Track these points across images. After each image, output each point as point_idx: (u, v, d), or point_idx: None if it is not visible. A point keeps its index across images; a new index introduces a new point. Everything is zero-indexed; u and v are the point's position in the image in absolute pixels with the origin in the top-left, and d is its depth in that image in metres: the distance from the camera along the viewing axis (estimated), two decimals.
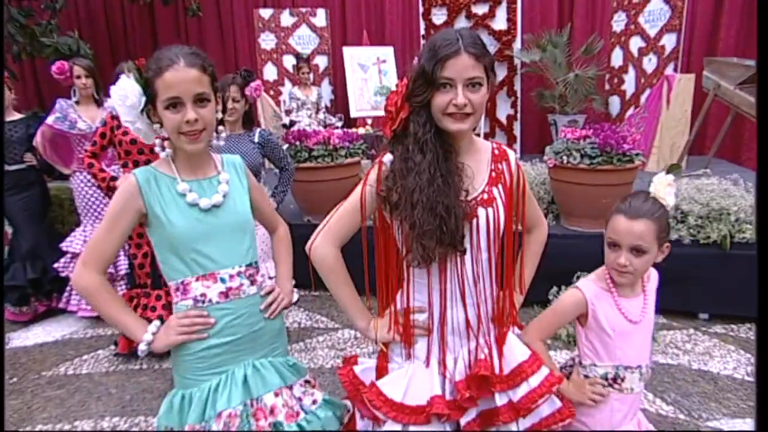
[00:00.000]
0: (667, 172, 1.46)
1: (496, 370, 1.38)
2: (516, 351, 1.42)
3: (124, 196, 1.37)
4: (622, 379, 1.47)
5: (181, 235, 1.37)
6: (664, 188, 1.43)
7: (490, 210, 1.35)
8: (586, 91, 5.90)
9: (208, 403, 1.38)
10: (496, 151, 1.43)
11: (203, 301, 1.40)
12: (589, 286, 1.47)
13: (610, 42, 6.01)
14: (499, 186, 1.39)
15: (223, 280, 1.42)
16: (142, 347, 1.40)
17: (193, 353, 1.40)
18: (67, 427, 2.58)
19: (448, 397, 1.37)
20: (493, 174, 1.39)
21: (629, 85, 5.93)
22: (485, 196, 1.36)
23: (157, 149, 1.40)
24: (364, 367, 1.47)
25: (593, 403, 1.46)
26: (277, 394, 1.44)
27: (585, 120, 6.04)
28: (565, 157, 3.32)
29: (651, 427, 1.61)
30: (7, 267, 3.73)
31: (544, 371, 1.39)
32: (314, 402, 1.50)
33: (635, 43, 5.75)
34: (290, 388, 1.49)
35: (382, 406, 1.34)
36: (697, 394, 2.68)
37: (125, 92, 1.33)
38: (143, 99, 1.35)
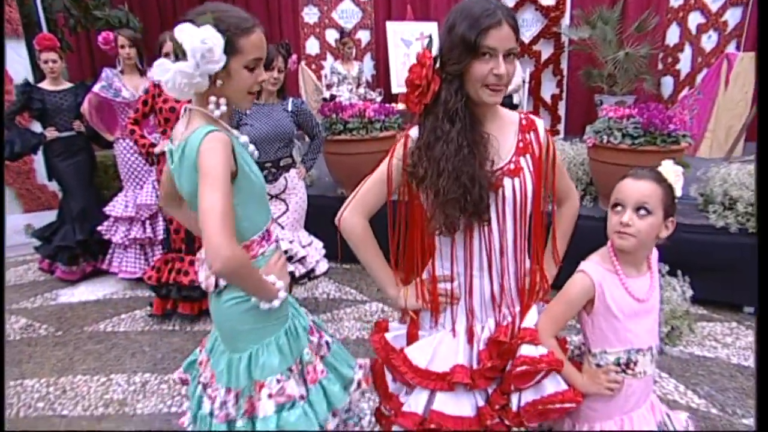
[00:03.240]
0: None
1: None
2: (528, 322, 1.42)
3: (226, 153, 1.27)
4: (635, 363, 1.41)
5: (261, 185, 1.43)
6: (671, 176, 1.36)
7: (516, 180, 1.33)
8: (636, 70, 5.62)
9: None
10: (524, 121, 1.41)
11: (276, 243, 1.49)
12: (594, 268, 1.40)
13: (666, 18, 5.68)
14: (527, 156, 1.37)
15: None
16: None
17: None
18: (103, 379, 2.73)
19: (475, 366, 1.39)
20: (521, 144, 1.37)
21: (684, 64, 5.61)
22: (512, 166, 1.34)
23: (211, 107, 1.34)
24: (396, 334, 1.51)
25: (610, 393, 1.40)
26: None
27: (634, 101, 5.77)
28: (605, 137, 3.18)
29: (664, 409, 1.54)
30: (57, 228, 3.94)
31: (543, 349, 1.37)
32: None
33: (694, 19, 5.42)
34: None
35: (407, 371, 1.39)
36: (734, 390, 2.55)
37: (211, 44, 1.23)
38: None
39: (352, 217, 1.41)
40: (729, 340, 2.97)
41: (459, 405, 1.39)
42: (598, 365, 1.44)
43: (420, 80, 1.26)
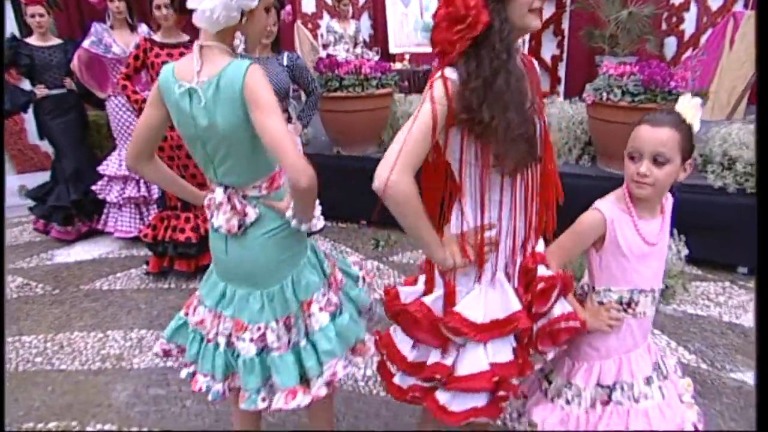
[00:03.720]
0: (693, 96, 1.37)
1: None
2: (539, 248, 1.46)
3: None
4: (636, 303, 1.43)
5: None
6: (689, 111, 1.33)
7: (540, 119, 1.31)
8: (639, 30, 5.45)
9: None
10: (526, 61, 1.35)
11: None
12: (608, 206, 1.40)
13: None
14: (537, 96, 1.33)
15: None
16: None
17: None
18: (99, 335, 2.75)
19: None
20: (533, 83, 1.33)
21: (689, 24, 5.46)
22: (535, 105, 1.30)
23: (237, 42, 1.47)
24: (434, 297, 1.41)
25: (609, 330, 1.44)
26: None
27: (636, 63, 5.65)
28: (605, 94, 3.13)
29: (660, 353, 1.57)
30: (51, 189, 3.91)
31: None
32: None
33: None
34: None
35: (469, 330, 1.33)
36: (724, 346, 2.58)
37: None
38: None
39: (403, 179, 1.20)
40: (722, 299, 2.99)
41: (506, 350, 1.39)
42: (600, 303, 1.46)
43: (466, 10, 1.14)
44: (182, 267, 3.22)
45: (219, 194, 1.44)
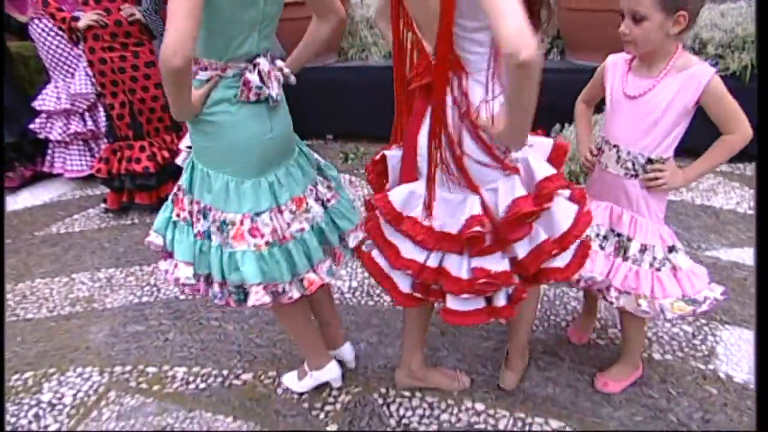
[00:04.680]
0: None
1: None
2: None
3: None
4: (600, 151, 1.55)
5: None
6: None
7: None
8: None
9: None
10: None
11: None
12: (615, 56, 1.50)
13: None
14: None
15: None
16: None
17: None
18: (65, 280, 2.59)
19: None
20: None
21: None
22: None
23: None
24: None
25: (585, 166, 1.62)
26: None
27: None
28: None
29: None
30: None
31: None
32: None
33: None
34: None
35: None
36: (698, 228, 2.64)
37: None
38: None
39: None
40: (692, 184, 3.03)
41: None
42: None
43: None
44: (143, 200, 3.03)
45: (264, 63, 1.30)
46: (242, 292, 1.43)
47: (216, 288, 1.44)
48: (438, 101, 1.18)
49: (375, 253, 1.44)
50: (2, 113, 3.37)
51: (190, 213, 1.41)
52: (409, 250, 1.33)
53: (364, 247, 1.49)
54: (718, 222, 2.68)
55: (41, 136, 3.51)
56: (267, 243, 1.38)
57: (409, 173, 1.34)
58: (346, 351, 1.86)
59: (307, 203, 1.46)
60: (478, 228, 1.23)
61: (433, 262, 1.33)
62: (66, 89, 3.38)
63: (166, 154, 2.99)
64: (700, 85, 1.32)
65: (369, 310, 2.20)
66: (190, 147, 2.68)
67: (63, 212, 3.28)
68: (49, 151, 3.61)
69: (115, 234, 2.96)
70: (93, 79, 3.31)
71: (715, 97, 1.33)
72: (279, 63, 1.40)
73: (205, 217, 1.39)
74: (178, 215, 1.43)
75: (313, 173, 1.54)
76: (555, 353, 1.92)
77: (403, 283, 1.41)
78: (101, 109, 3.47)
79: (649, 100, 1.39)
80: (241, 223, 1.36)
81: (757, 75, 1.10)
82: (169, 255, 1.46)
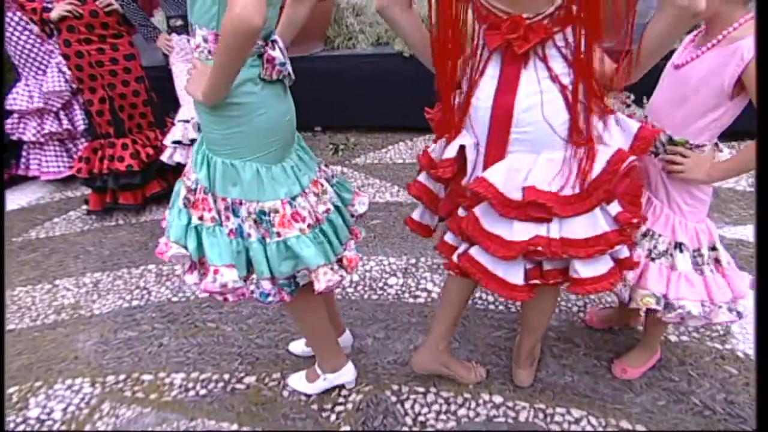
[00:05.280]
0: None
1: None
2: None
3: None
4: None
5: None
6: None
7: None
8: None
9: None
10: None
11: None
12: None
13: None
14: None
15: None
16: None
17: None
18: (47, 287, 2.45)
19: None
20: None
21: None
22: None
23: None
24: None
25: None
26: None
27: None
28: None
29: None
30: None
31: None
32: None
33: None
34: None
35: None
36: None
37: None
38: None
39: None
40: None
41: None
42: None
43: None
44: (128, 200, 2.88)
45: (279, 39, 1.25)
46: (293, 282, 1.39)
47: (266, 285, 1.34)
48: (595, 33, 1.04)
49: (474, 251, 1.29)
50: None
51: (219, 212, 1.30)
52: (521, 231, 1.19)
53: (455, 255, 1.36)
54: (719, 200, 2.65)
55: (14, 138, 3.33)
56: (309, 226, 1.30)
57: (497, 150, 1.20)
58: (347, 339, 1.87)
59: (322, 184, 1.39)
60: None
61: (554, 233, 1.19)
62: (38, 87, 3.20)
63: (150, 151, 2.85)
64: (743, 61, 1.12)
65: (373, 304, 2.11)
66: (176, 143, 2.60)
67: (42, 216, 3.12)
68: (24, 153, 3.43)
69: (100, 237, 2.82)
70: (67, 76, 3.16)
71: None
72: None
73: (235, 214, 1.28)
74: (201, 218, 1.29)
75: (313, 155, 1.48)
76: (570, 340, 1.86)
77: (514, 276, 1.26)
78: (77, 107, 3.31)
79: (687, 71, 1.27)
80: (283, 209, 1.27)
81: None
82: (195, 266, 1.35)
